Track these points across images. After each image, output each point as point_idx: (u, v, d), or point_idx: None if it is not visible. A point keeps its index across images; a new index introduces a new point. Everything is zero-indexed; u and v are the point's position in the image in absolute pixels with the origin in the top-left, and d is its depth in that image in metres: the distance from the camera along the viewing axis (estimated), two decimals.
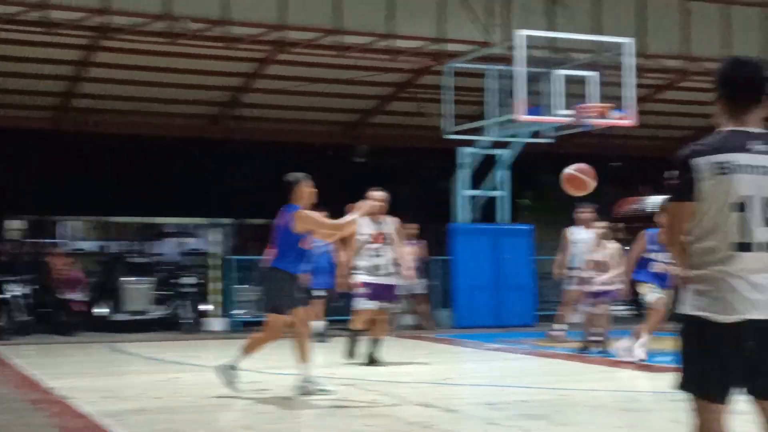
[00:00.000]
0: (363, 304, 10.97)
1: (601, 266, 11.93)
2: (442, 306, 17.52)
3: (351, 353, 11.17)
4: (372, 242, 10.84)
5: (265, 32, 16.05)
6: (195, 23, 15.53)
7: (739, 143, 3.99)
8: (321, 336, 13.53)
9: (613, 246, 12.05)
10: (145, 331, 16.89)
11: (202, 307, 17.77)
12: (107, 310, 17.29)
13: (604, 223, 12.32)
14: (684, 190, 3.99)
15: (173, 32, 15.41)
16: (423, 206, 21.06)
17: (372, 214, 10.65)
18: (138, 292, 17.19)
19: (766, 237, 3.96)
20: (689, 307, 4.04)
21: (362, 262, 10.91)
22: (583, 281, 12.28)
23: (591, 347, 12.22)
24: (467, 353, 13.53)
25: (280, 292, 8.54)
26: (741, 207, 3.93)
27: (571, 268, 13.66)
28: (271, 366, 11.21)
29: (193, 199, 22.00)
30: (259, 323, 17.52)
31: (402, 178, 21.54)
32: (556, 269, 14.10)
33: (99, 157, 23.45)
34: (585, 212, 13.53)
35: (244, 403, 8.39)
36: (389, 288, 11.03)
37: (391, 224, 11.01)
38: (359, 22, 16.62)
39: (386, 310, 11.13)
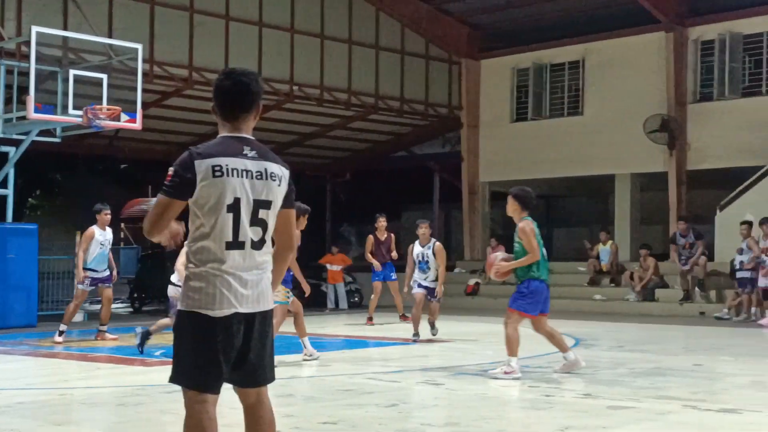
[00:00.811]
0: None
1: None
2: None
3: None
4: None
5: None
6: None
7: (234, 148, 4.31)
8: None
9: None
10: None
11: None
12: None
13: None
14: (180, 189, 4.27)
15: None
16: None
17: None
18: None
19: (254, 236, 4.32)
20: (185, 303, 4.30)
21: None
22: None
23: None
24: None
25: None
26: (233, 208, 4.26)
27: (87, 269, 14.03)
28: None
29: None
30: None
31: None
32: (79, 270, 14.25)
33: None
34: (107, 214, 14.25)
35: None
36: None
37: None
38: None
39: None
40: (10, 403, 8.51)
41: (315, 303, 22.53)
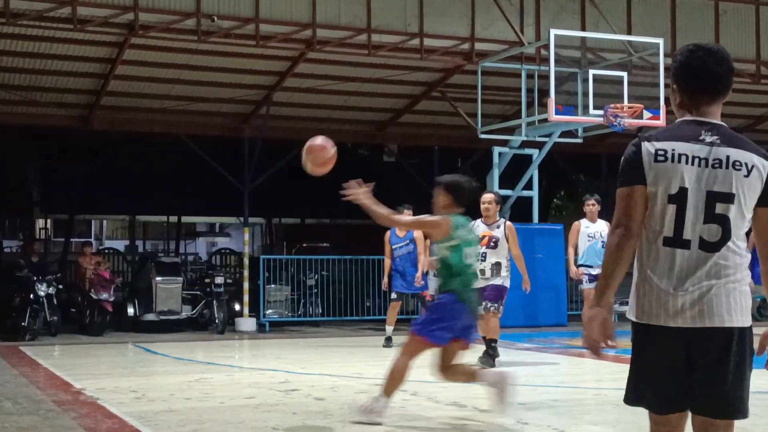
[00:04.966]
0: None
1: None
2: None
3: None
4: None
5: (295, 30, 16.04)
6: (226, 21, 15.54)
7: (689, 133, 3.69)
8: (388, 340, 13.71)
9: None
10: (175, 331, 16.90)
11: (237, 307, 17.78)
12: (137, 311, 17.27)
13: None
14: (631, 173, 3.68)
15: (203, 30, 15.42)
16: None
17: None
18: (168, 292, 17.15)
19: (707, 235, 3.63)
20: (630, 310, 3.77)
21: None
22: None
23: None
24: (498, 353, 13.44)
25: None
26: (676, 199, 3.63)
27: (581, 265, 13.20)
28: (300, 366, 11.22)
29: (223, 198, 22.02)
30: (288, 323, 17.71)
31: (432, 178, 21.49)
32: (572, 268, 13.49)
33: (129, 156, 23.62)
34: (593, 205, 13.29)
35: (272, 403, 8.35)
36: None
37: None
38: (389, 21, 16.58)
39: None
40: (544, 400, 8.65)
41: None
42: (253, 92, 18.26)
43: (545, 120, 16.25)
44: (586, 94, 15.96)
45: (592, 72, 16.07)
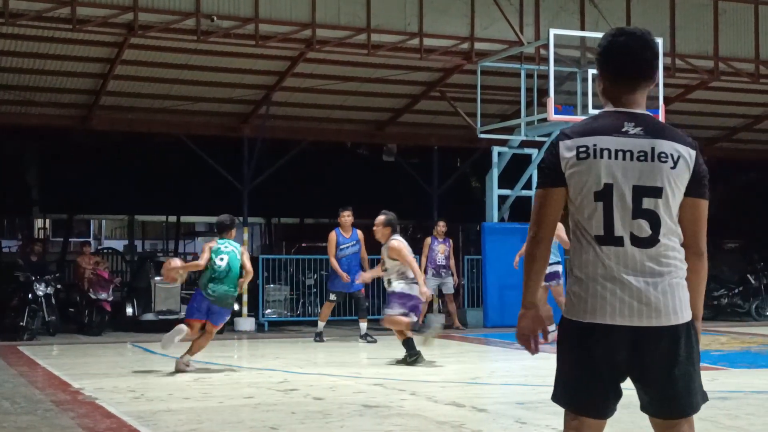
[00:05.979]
0: None
1: None
2: (472, 305, 17.45)
3: None
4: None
5: (295, 30, 16.04)
6: (225, 21, 15.54)
7: (611, 125, 3.52)
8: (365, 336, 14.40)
9: None
10: None
11: (235, 307, 17.77)
12: (136, 310, 17.25)
13: None
14: (550, 176, 3.57)
15: (203, 30, 15.42)
16: (455, 205, 20.98)
17: None
18: (167, 292, 17.12)
19: (637, 231, 3.50)
20: (564, 308, 3.68)
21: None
22: None
23: None
24: (497, 352, 13.48)
25: None
26: (603, 196, 3.48)
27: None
28: (299, 366, 11.23)
29: (222, 197, 22.01)
30: (287, 323, 17.71)
31: (432, 178, 21.54)
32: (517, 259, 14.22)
33: (128, 156, 23.62)
34: None
35: (271, 402, 8.35)
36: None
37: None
38: (389, 21, 16.58)
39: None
40: (542, 400, 8.52)
41: None
42: (253, 92, 18.25)
43: (544, 120, 16.23)
44: (585, 94, 15.96)
45: (591, 71, 16.02)
